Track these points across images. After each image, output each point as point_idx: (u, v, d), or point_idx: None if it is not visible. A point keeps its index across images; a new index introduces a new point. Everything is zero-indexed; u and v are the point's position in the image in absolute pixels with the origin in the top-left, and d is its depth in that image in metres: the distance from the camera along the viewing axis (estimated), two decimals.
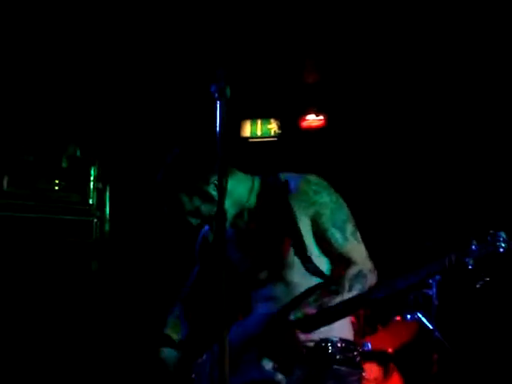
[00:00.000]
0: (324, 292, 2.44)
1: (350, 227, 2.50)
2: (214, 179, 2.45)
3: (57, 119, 4.95)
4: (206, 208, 2.50)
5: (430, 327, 4.75)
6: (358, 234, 2.53)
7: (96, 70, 5.04)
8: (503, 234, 2.11)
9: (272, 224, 2.53)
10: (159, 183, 2.56)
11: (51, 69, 4.93)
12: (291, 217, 2.48)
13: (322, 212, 2.49)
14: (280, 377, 2.37)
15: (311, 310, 2.37)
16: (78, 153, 4.77)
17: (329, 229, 2.49)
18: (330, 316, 2.36)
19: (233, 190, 2.52)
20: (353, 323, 4.57)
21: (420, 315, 4.85)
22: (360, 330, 4.66)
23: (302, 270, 2.49)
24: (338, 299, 2.37)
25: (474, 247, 2.13)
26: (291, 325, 2.35)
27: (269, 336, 2.40)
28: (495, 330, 5.19)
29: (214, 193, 2.45)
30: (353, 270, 2.45)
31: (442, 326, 4.80)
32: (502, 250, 2.10)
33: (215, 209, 2.31)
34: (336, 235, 2.49)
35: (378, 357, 4.71)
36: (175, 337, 2.75)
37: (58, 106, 5.01)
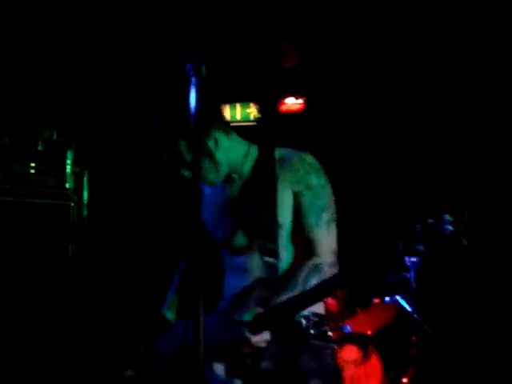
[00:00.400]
0: (271, 288, 2.40)
1: (326, 216, 2.48)
2: (216, 134, 2.48)
3: (32, 101, 4.89)
4: (203, 163, 2.48)
5: (409, 310, 4.78)
6: (333, 226, 2.50)
7: (72, 52, 4.98)
8: (448, 216, 2.03)
9: (258, 193, 2.51)
10: (161, 128, 2.49)
11: (26, 51, 4.87)
12: (273, 193, 2.47)
13: (305, 193, 2.47)
14: (234, 381, 2.33)
15: (259, 309, 2.33)
16: (55, 136, 4.72)
17: (306, 210, 2.47)
18: (280, 314, 2.31)
19: (230, 149, 2.53)
20: (332, 305, 4.62)
21: (399, 298, 4.88)
22: (339, 313, 4.68)
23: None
24: (287, 295, 2.33)
25: (419, 232, 2.06)
26: (240, 326, 2.30)
27: (218, 339, 2.35)
28: (473, 311, 5.23)
29: (213, 147, 2.47)
30: (312, 262, 2.42)
31: (421, 308, 4.83)
32: (448, 232, 2.02)
33: (211, 165, 2.45)
34: (310, 219, 2.47)
35: (357, 339, 4.73)
36: (170, 316, 2.72)
37: (33, 87, 4.95)
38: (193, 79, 2.10)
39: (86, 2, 4.64)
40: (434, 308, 5.10)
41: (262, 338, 2.30)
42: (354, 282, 2.25)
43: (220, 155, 2.49)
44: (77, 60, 5.06)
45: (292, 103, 5.99)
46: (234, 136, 2.59)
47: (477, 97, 5.25)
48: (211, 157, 2.47)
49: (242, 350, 2.31)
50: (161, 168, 2.56)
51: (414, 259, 4.75)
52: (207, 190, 2.67)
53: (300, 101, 5.95)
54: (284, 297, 2.33)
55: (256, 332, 2.29)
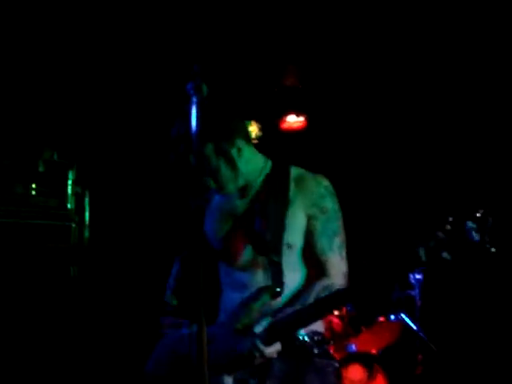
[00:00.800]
0: (275, 296, 2.40)
1: (338, 240, 2.49)
2: (239, 143, 2.48)
3: (32, 122, 4.89)
4: (225, 171, 2.48)
5: (414, 328, 4.74)
6: (344, 251, 2.50)
7: (72, 72, 4.99)
8: (471, 223, 1.97)
9: (268, 209, 2.50)
10: (190, 130, 2.47)
11: (26, 71, 4.87)
12: (284, 210, 2.46)
13: (319, 216, 2.47)
14: None
15: (272, 320, 2.32)
16: (55, 156, 4.70)
17: (319, 233, 2.47)
18: (291, 326, 2.31)
19: (250, 160, 2.54)
20: (337, 324, 4.58)
21: (403, 316, 4.85)
22: (344, 332, 4.64)
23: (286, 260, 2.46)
24: (297, 308, 2.33)
25: (443, 239, 2.01)
26: (255, 337, 2.28)
27: (225, 350, 2.32)
28: (478, 329, 5.19)
29: (236, 155, 2.48)
30: (324, 282, 2.42)
31: (426, 326, 4.79)
32: (474, 239, 1.96)
33: (232, 174, 2.46)
34: (323, 241, 2.47)
35: (362, 358, 4.70)
36: (175, 302, 2.71)
37: (33, 108, 4.95)
38: (193, 98, 2.09)
39: (84, 21, 4.64)
40: (440, 326, 5.06)
41: (274, 349, 2.29)
42: (361, 297, 2.24)
43: (241, 165, 2.50)
44: (76, 80, 5.06)
45: (293, 121, 5.99)
46: (254, 149, 2.60)
47: (495, 102, 5.23)
48: (233, 165, 2.48)
49: (254, 361, 2.28)
50: (177, 176, 2.53)
51: (418, 276, 4.72)
52: (215, 203, 2.65)
53: (301, 118, 5.96)
54: (294, 309, 2.33)
55: (269, 343, 2.27)
